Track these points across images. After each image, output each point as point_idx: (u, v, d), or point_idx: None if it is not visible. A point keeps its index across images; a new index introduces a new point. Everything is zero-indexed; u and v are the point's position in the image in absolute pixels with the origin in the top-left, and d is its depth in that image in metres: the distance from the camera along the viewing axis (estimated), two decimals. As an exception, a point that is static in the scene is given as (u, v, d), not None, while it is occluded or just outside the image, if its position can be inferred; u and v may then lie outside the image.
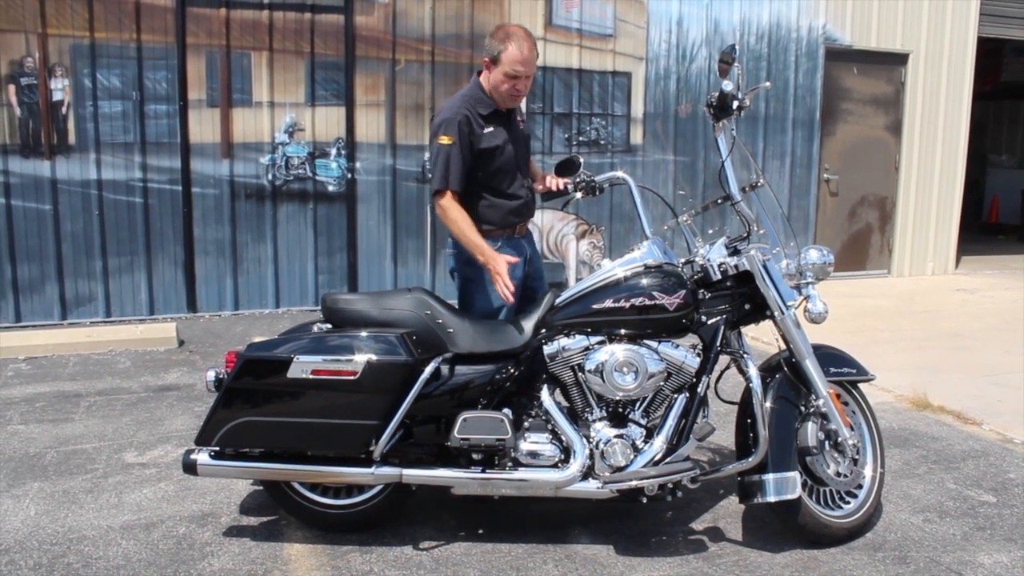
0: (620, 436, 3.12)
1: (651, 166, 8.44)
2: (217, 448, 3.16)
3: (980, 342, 6.65)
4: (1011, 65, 13.15)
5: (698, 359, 3.20)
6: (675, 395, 3.20)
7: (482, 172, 3.53)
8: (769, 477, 3.12)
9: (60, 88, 6.56)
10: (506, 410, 3.17)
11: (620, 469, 3.09)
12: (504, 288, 3.31)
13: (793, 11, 8.82)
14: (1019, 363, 5.99)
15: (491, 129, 3.51)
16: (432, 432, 3.21)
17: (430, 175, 3.54)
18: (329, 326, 3.26)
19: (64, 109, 6.59)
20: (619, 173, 3.52)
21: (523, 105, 3.86)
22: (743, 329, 3.36)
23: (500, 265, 3.33)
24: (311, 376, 3.03)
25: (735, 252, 3.27)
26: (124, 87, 6.71)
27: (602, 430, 3.14)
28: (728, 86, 3.18)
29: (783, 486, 3.11)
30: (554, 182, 3.71)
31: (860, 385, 3.51)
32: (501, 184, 3.57)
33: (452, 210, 3.45)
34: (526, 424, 3.22)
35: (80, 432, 4.43)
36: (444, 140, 3.43)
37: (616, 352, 3.12)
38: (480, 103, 3.53)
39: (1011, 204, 13.72)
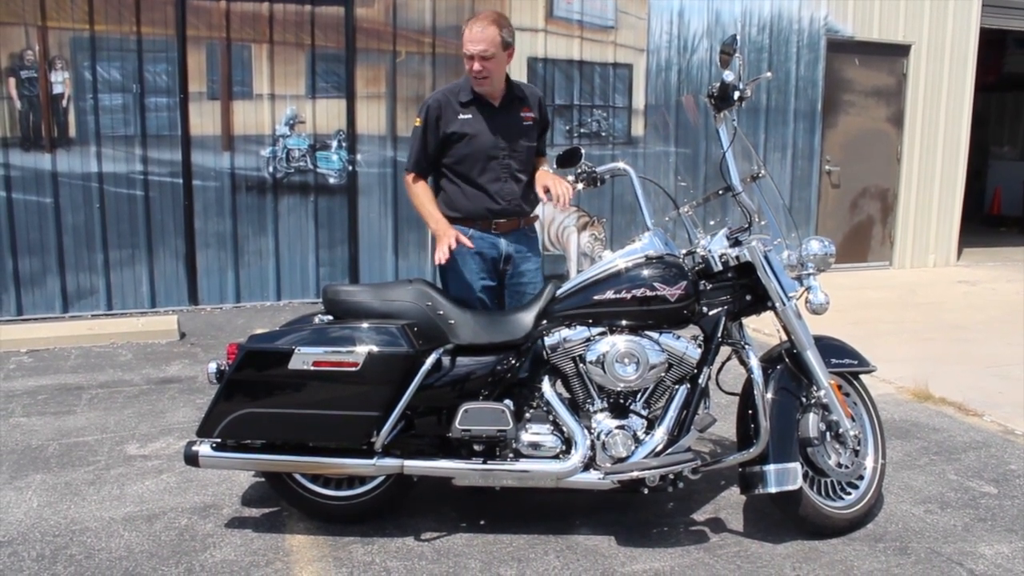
0: (621, 427, 3.12)
1: (652, 157, 8.42)
2: (219, 440, 3.17)
3: (982, 334, 6.65)
4: (1013, 56, 13.11)
5: (699, 350, 3.20)
6: (676, 386, 3.20)
7: (449, 157, 3.61)
8: (770, 468, 3.12)
9: (60, 81, 6.55)
10: (507, 401, 3.17)
11: (621, 460, 3.09)
12: (440, 252, 3.44)
13: (795, 2, 8.79)
14: (1021, 355, 5.98)
15: (466, 116, 3.57)
16: (433, 423, 3.22)
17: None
18: (330, 318, 3.26)
19: (64, 102, 6.58)
20: (620, 164, 3.50)
21: (536, 97, 3.80)
22: (744, 320, 3.35)
23: (446, 233, 3.48)
24: (312, 367, 3.03)
25: (736, 243, 3.27)
26: (124, 80, 6.69)
27: (603, 421, 3.15)
28: (729, 77, 3.17)
29: (784, 477, 3.11)
30: (562, 196, 3.42)
31: (862, 376, 3.51)
32: (470, 171, 3.60)
33: (412, 188, 3.68)
34: (527, 415, 3.22)
35: (82, 424, 4.44)
36: (416, 122, 3.64)
37: (617, 343, 3.12)
38: (463, 90, 3.63)
39: (1013, 196, 13.68)
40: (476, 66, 3.49)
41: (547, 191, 3.49)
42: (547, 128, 3.94)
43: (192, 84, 6.87)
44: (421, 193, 3.66)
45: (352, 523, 3.32)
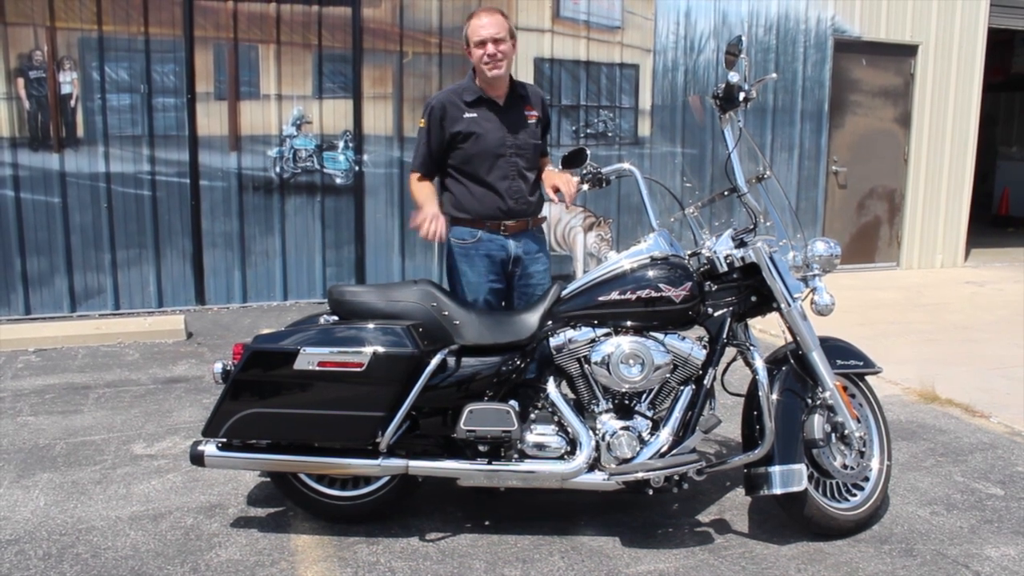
0: (626, 428, 3.12)
1: (658, 158, 8.42)
2: (224, 439, 3.17)
3: (989, 335, 6.62)
4: (1022, 56, 13.06)
5: (704, 351, 3.20)
6: (681, 387, 3.20)
7: (455, 157, 3.62)
8: (775, 469, 3.12)
9: (68, 81, 6.57)
10: (512, 402, 3.17)
11: (626, 461, 3.09)
12: (419, 222, 3.46)
13: (802, 2, 8.77)
14: (1028, 356, 5.96)
15: (471, 115, 3.58)
16: (438, 424, 3.22)
17: None
18: (336, 318, 3.27)
19: (72, 102, 6.61)
20: (626, 165, 3.51)
21: (538, 96, 3.81)
22: (749, 321, 3.35)
23: (424, 212, 3.48)
24: (317, 368, 3.04)
25: (742, 244, 3.26)
26: (132, 80, 6.72)
27: (608, 422, 3.15)
28: (734, 78, 3.17)
29: (789, 478, 3.11)
30: (567, 193, 3.50)
31: (867, 377, 3.51)
32: (478, 170, 3.61)
33: (411, 185, 3.72)
34: (532, 416, 3.22)
35: (89, 423, 4.46)
36: (420, 123, 3.66)
37: (622, 344, 3.12)
38: (467, 90, 3.63)
39: (1021, 197, 13.61)
40: (490, 49, 3.50)
41: (556, 191, 3.53)
42: (549, 126, 3.95)
43: (199, 84, 6.89)
44: (422, 187, 3.67)
45: (357, 523, 3.33)
